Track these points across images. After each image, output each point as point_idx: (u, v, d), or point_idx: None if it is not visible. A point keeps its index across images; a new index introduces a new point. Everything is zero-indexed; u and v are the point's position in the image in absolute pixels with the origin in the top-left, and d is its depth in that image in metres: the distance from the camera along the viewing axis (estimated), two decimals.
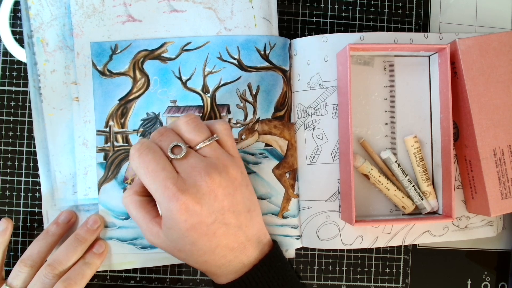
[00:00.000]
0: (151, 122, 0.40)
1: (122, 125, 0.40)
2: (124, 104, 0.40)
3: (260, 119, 0.41)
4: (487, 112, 0.38)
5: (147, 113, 0.40)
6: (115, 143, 0.40)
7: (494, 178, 0.38)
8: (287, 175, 0.41)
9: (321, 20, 0.43)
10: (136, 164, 0.32)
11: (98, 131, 0.40)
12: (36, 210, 0.41)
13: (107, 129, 0.40)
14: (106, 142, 0.40)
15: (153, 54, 0.40)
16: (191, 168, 0.32)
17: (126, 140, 0.40)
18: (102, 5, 0.40)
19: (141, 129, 0.40)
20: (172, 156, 0.32)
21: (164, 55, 0.40)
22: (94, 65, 0.40)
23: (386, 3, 0.44)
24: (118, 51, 0.40)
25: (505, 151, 0.39)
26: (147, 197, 0.35)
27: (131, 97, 0.40)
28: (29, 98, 0.41)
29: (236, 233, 0.33)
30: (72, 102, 0.40)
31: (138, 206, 0.34)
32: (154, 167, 0.31)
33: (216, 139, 0.34)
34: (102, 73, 0.40)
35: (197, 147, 0.33)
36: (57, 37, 0.40)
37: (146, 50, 0.40)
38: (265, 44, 0.40)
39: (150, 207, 0.34)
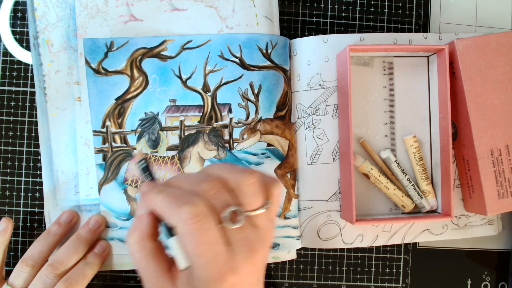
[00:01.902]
0: (150, 122, 0.42)
1: (120, 125, 0.41)
2: (121, 104, 0.41)
3: (262, 118, 0.43)
4: (484, 112, 0.41)
5: (145, 113, 0.42)
6: (113, 144, 0.41)
7: (491, 178, 0.41)
8: (288, 175, 0.43)
9: (321, 20, 0.46)
10: (188, 230, 0.28)
11: (94, 131, 0.41)
12: (36, 210, 0.44)
13: (104, 130, 0.41)
14: (104, 143, 0.41)
15: (152, 52, 0.41)
16: (244, 242, 0.29)
17: (124, 140, 0.41)
18: (106, 6, 0.42)
19: (139, 129, 0.42)
20: (228, 225, 0.29)
21: (163, 53, 0.41)
22: (87, 62, 0.41)
23: (386, 3, 0.46)
24: (114, 48, 0.41)
25: (503, 151, 0.41)
26: (158, 243, 0.31)
27: (128, 96, 0.41)
28: (29, 98, 0.43)
29: None
30: (74, 102, 0.42)
31: (150, 255, 0.30)
32: (208, 239, 0.28)
33: (270, 206, 0.31)
34: (96, 71, 0.41)
35: (249, 214, 0.30)
36: (62, 38, 0.42)
37: (144, 48, 0.41)
38: (267, 43, 0.42)
39: (163, 257, 0.31)
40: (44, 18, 0.42)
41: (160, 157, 0.42)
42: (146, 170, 0.33)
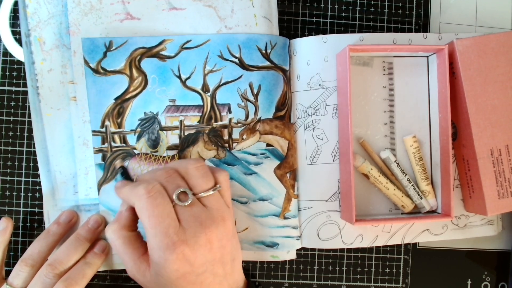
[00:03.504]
0: (149, 122, 0.42)
1: (119, 125, 0.42)
2: (121, 104, 0.41)
3: (261, 119, 0.43)
4: (484, 112, 0.41)
5: (144, 113, 0.42)
6: (113, 144, 0.42)
7: (491, 178, 0.41)
8: (288, 175, 0.44)
9: (321, 20, 0.46)
10: (142, 205, 0.33)
11: (93, 131, 0.41)
12: (36, 210, 0.44)
13: (103, 130, 0.41)
14: (103, 143, 0.41)
15: (151, 51, 0.42)
16: (193, 218, 0.34)
17: (124, 140, 0.42)
18: (100, 3, 0.41)
19: (138, 129, 0.42)
20: (178, 202, 0.34)
21: (162, 53, 0.42)
22: (86, 62, 0.41)
23: (386, 3, 0.46)
24: (113, 48, 0.41)
25: (503, 151, 0.42)
26: (135, 232, 0.36)
27: (127, 96, 0.42)
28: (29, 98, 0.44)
29: (221, 282, 0.35)
30: (69, 101, 0.42)
31: (126, 242, 0.35)
32: (160, 212, 0.33)
33: (219, 189, 0.36)
34: (95, 71, 0.41)
35: (201, 195, 0.35)
36: (54, 36, 0.42)
37: (143, 47, 0.41)
38: (266, 43, 0.42)
39: (138, 243, 0.36)
40: (36, 15, 0.42)
41: (160, 156, 0.42)
42: (125, 175, 0.40)
